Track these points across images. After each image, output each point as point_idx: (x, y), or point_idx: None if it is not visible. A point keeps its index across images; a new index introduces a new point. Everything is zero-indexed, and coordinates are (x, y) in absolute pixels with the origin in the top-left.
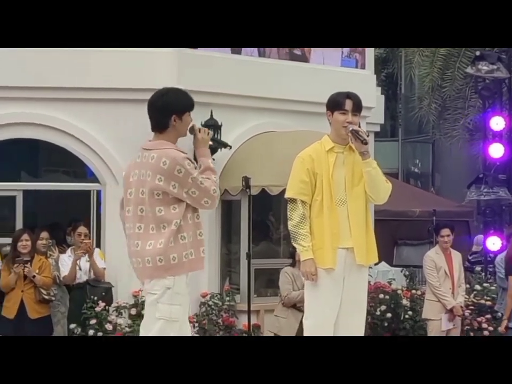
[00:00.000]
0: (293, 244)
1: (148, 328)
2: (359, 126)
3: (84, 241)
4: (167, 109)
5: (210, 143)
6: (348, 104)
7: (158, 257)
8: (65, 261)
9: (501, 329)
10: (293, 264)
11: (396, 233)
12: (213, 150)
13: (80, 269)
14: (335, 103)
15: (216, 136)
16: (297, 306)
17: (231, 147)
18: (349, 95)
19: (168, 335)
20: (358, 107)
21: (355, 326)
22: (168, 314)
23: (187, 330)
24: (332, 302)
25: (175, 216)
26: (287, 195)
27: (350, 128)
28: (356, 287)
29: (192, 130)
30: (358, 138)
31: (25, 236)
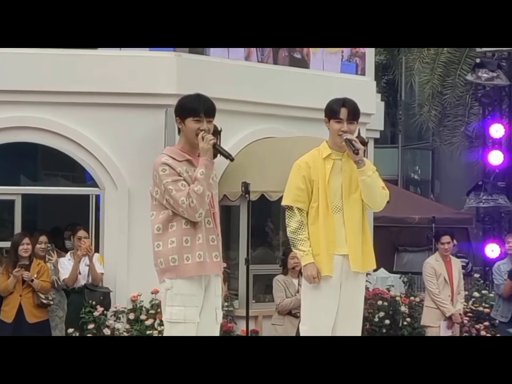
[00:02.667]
0: (292, 250)
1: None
2: (359, 134)
3: (83, 239)
4: (175, 111)
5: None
6: (343, 112)
7: (154, 261)
8: (65, 264)
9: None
10: (284, 272)
11: (396, 239)
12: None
13: (79, 273)
14: (331, 111)
15: (216, 141)
16: (293, 313)
17: (233, 159)
18: (344, 103)
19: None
20: (353, 115)
21: (351, 333)
22: (169, 315)
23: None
24: (329, 308)
25: (158, 221)
26: (283, 202)
27: (344, 137)
28: (352, 293)
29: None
30: (350, 148)
31: (26, 240)
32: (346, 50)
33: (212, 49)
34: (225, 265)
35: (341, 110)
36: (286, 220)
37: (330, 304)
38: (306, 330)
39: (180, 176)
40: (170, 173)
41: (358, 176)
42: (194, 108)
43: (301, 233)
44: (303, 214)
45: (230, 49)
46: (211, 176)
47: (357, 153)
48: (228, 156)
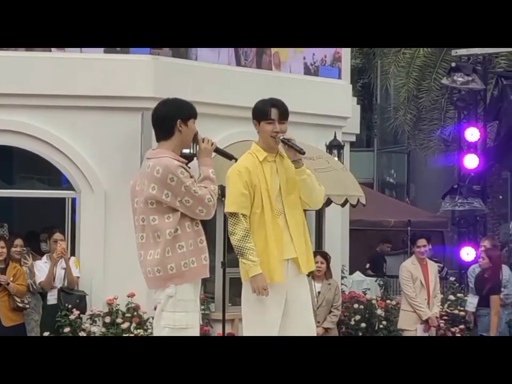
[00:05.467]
0: (239, 259)
1: None
2: (335, 137)
3: (59, 242)
4: (173, 113)
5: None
6: (274, 113)
7: (156, 267)
8: (41, 267)
9: None
10: None
11: (372, 242)
12: (189, 158)
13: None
14: (261, 113)
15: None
16: None
17: (236, 160)
18: (273, 104)
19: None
20: (284, 115)
21: (308, 332)
22: (172, 322)
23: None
24: (276, 316)
25: (169, 226)
26: (227, 209)
27: (281, 137)
28: (299, 297)
29: (195, 139)
30: (292, 147)
31: (1, 243)
32: (329, 56)
33: (194, 53)
34: None
35: (271, 111)
36: (230, 227)
37: (277, 311)
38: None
39: (192, 178)
40: (187, 175)
41: (298, 176)
42: (195, 109)
43: (248, 241)
44: (247, 220)
45: (213, 52)
46: None
47: (303, 153)
48: (230, 156)
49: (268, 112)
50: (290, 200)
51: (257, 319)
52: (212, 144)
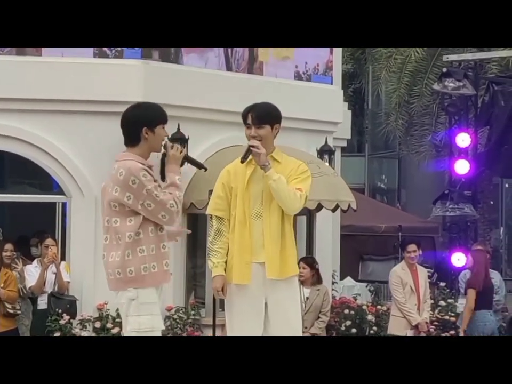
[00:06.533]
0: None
1: None
2: (326, 143)
3: (49, 246)
4: (138, 121)
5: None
6: (249, 118)
7: (117, 270)
8: (32, 272)
9: None
10: None
11: (362, 248)
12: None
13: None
14: (242, 118)
15: (183, 148)
16: None
17: (206, 169)
18: (250, 109)
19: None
20: (260, 119)
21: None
22: (137, 325)
23: None
24: (249, 320)
25: (129, 229)
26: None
27: (250, 143)
28: (277, 302)
29: (165, 146)
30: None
31: None
32: (322, 64)
33: (184, 57)
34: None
35: (247, 116)
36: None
37: (249, 315)
38: None
39: (156, 182)
40: (150, 179)
41: (266, 181)
42: (164, 114)
43: (215, 243)
44: (222, 222)
45: (202, 58)
46: None
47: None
48: (200, 165)
49: (245, 117)
50: (273, 205)
51: (228, 320)
52: (181, 152)
